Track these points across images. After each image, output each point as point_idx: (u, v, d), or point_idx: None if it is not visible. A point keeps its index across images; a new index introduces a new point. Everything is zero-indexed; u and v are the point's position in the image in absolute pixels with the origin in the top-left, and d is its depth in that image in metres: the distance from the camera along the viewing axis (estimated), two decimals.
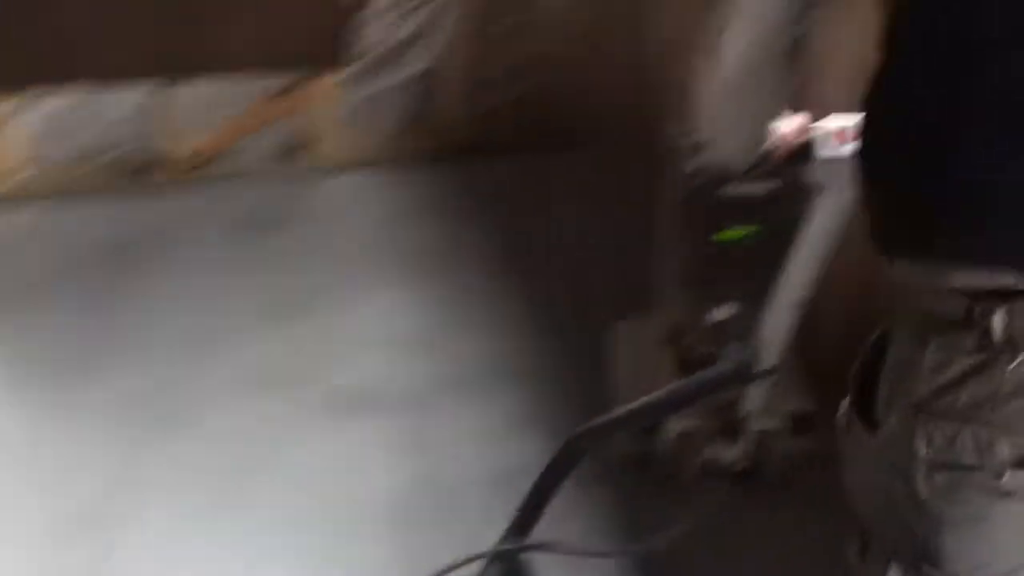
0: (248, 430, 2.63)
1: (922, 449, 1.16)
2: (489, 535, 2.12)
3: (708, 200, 2.29)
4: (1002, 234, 1.10)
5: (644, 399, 2.13)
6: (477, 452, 2.54)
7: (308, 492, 2.42)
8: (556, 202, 3.83)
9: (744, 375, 1.88)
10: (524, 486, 2.15)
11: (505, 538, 2.05)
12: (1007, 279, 1.08)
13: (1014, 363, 1.08)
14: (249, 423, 2.66)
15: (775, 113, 1.40)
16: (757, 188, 2.23)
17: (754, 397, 2.04)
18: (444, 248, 3.54)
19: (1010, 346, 1.08)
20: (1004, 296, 1.08)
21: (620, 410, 2.10)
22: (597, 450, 2.19)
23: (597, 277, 3.28)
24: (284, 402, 2.73)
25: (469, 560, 2.03)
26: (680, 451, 2.29)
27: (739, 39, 1.18)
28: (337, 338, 3.02)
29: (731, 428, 2.19)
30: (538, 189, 3.91)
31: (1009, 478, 1.13)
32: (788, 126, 1.65)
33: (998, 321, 1.08)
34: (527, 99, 4.16)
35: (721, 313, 2.23)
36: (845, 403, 1.31)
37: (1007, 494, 1.14)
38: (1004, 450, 1.12)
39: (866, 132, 1.22)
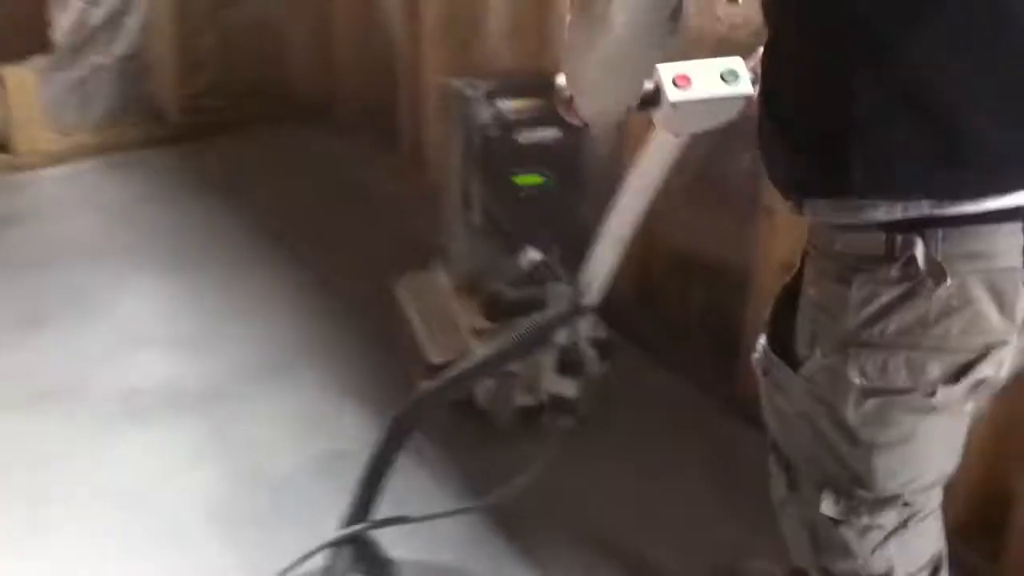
0: (31, 449, 2.41)
1: (854, 379, 1.23)
2: (323, 521, 2.05)
3: (503, 147, 2.28)
4: (911, 164, 1.14)
5: (481, 354, 2.13)
6: (291, 438, 2.47)
7: (120, 507, 2.25)
8: (295, 173, 3.74)
9: (574, 314, 1.90)
10: (348, 466, 2.09)
11: (350, 520, 1.99)
12: (921, 209, 1.13)
13: (939, 287, 1.14)
14: (30, 442, 2.43)
15: (650, 74, 1.41)
16: (551, 134, 2.25)
17: (575, 333, 2.07)
18: (195, 235, 3.37)
19: (934, 272, 1.14)
20: (921, 226, 1.13)
21: (457, 370, 2.09)
22: (432, 419, 2.18)
23: (358, 242, 3.22)
24: (65, 414, 2.52)
25: (318, 549, 1.97)
26: (503, 394, 2.30)
27: (627, 4, 1.18)
28: (105, 341, 2.81)
29: (558, 364, 2.23)
30: (275, 163, 3.81)
31: (939, 395, 1.20)
32: None
33: (920, 251, 1.14)
34: (246, 75, 4.03)
35: (528, 256, 2.24)
36: (759, 348, 1.34)
37: (934, 410, 1.22)
38: (935, 370, 1.21)
39: (769, 82, 1.25)
